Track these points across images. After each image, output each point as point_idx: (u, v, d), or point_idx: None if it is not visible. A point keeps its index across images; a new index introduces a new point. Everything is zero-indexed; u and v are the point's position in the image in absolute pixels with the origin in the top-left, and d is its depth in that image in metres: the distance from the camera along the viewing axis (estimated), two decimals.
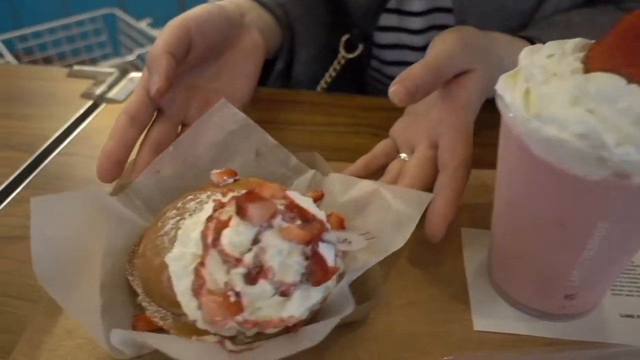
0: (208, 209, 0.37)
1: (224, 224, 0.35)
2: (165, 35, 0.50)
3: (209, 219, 0.36)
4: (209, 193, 0.42)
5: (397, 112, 0.56)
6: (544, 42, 0.36)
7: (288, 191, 0.38)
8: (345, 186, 0.48)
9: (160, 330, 0.37)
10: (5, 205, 0.53)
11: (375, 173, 0.53)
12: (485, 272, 0.45)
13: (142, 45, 1.78)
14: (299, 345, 0.33)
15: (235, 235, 0.34)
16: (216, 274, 0.34)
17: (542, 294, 0.40)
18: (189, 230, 0.36)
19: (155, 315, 0.38)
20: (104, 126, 0.65)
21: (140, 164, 0.48)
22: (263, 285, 0.34)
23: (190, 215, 0.40)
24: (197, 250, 0.35)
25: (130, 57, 1.68)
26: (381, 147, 0.54)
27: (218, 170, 0.44)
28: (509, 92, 0.34)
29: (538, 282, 0.39)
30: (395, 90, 0.45)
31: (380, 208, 0.45)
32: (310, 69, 0.72)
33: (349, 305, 0.34)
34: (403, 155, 0.52)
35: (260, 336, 0.36)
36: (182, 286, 0.35)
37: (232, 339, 0.36)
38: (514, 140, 0.34)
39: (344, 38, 0.72)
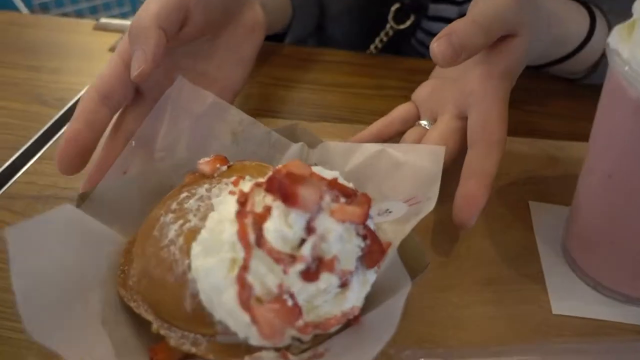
0: (228, 203, 0.31)
1: (262, 217, 0.29)
2: (159, 3, 0.41)
3: (241, 214, 0.30)
4: (206, 186, 0.36)
5: None
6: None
7: (314, 168, 0.32)
8: (346, 153, 0.42)
9: (185, 359, 0.32)
10: (34, 163, 0.50)
11: (389, 141, 0.47)
12: (560, 250, 0.41)
13: None
14: (373, 343, 0.27)
15: (285, 227, 0.28)
16: (265, 278, 0.28)
17: (635, 278, 0.36)
18: (216, 233, 0.30)
19: (184, 342, 0.31)
20: None
21: (107, 159, 0.40)
22: (328, 279, 0.29)
23: (194, 215, 0.33)
24: (235, 255, 0.29)
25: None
26: (399, 111, 0.48)
27: (206, 159, 0.37)
28: (625, 45, 0.29)
29: (633, 266, 0.35)
30: (438, 46, 0.38)
31: (392, 170, 0.39)
32: (347, 27, 0.67)
33: (404, 282, 0.30)
34: (424, 122, 0.46)
35: (317, 339, 0.30)
36: (227, 301, 0.29)
37: (286, 349, 0.30)
38: (629, 102, 0.29)
39: (394, 8, 0.65)
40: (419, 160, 0.38)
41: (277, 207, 0.29)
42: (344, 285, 0.30)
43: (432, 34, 0.47)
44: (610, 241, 0.35)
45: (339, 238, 0.29)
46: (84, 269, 0.32)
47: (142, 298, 0.33)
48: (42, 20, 0.78)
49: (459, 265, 0.40)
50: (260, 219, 0.29)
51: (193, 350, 0.30)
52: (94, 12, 1.82)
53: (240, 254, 0.29)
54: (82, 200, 0.38)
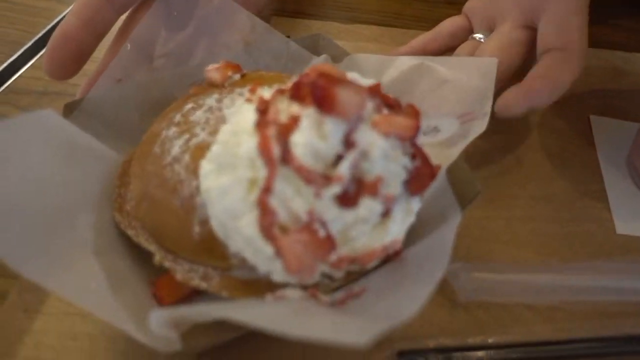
0: (244, 113, 0.26)
1: (289, 128, 0.23)
2: None
3: (261, 124, 0.24)
4: (216, 96, 0.30)
5: None
6: None
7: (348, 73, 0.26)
8: (379, 67, 0.35)
9: (193, 295, 0.27)
10: (40, 57, 0.45)
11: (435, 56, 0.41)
12: (623, 168, 0.36)
13: None
14: (421, 283, 0.22)
15: (317, 140, 0.23)
16: (293, 202, 0.23)
17: None
18: (231, 148, 0.24)
19: (192, 277, 0.26)
20: None
21: (100, 67, 0.34)
22: (370, 205, 0.23)
23: (202, 129, 0.28)
24: (255, 173, 0.23)
25: None
26: (448, 24, 0.42)
27: (215, 65, 0.32)
28: None
29: None
30: None
31: (435, 86, 0.33)
32: None
33: (454, 211, 0.25)
34: (478, 35, 0.40)
35: (350, 276, 0.25)
36: (245, 229, 0.23)
37: (313, 288, 0.25)
38: None
39: None
40: (466, 75, 0.32)
41: (308, 115, 0.23)
42: (385, 213, 0.24)
43: None
44: None
45: (384, 155, 0.24)
46: (69, 188, 0.27)
47: (142, 224, 0.28)
48: None
49: (510, 178, 0.36)
50: (286, 130, 0.23)
51: (203, 285, 0.25)
52: None
53: (262, 172, 0.23)
54: (70, 110, 0.32)
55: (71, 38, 0.32)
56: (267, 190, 0.22)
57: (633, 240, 0.32)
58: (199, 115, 0.29)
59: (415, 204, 0.26)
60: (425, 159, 0.25)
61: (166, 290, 0.26)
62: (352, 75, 0.25)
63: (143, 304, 0.25)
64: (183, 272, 0.25)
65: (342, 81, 0.23)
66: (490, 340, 0.27)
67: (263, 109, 0.24)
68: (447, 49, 0.41)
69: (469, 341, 0.27)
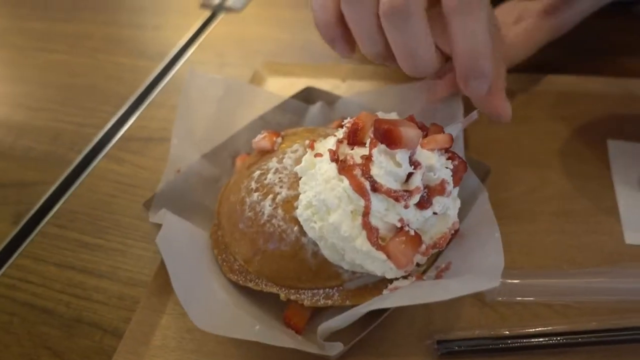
0: (322, 166, 0.33)
1: (366, 166, 0.31)
2: None
3: (344, 169, 0.31)
4: (275, 159, 0.38)
5: None
6: None
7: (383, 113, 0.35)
8: (376, 98, 0.45)
9: (314, 315, 0.35)
10: (143, 110, 0.56)
11: None
12: (636, 186, 0.42)
13: None
14: (488, 244, 0.32)
15: (395, 168, 0.31)
16: (386, 217, 0.31)
17: None
18: (325, 195, 0.32)
19: (318, 299, 0.34)
20: (224, 35, 0.66)
21: None
22: (441, 201, 0.32)
23: (281, 187, 0.35)
24: (353, 206, 0.31)
25: None
26: None
27: (261, 136, 0.40)
28: None
29: None
30: None
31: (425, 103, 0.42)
32: None
33: (479, 188, 0.36)
34: None
35: (430, 259, 0.34)
36: (362, 247, 0.31)
37: (413, 275, 0.34)
38: None
39: None
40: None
41: (378, 152, 0.31)
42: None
43: None
44: None
45: (440, 164, 0.32)
46: (203, 265, 0.36)
47: (259, 275, 0.35)
48: None
49: (533, 196, 0.42)
50: (366, 168, 0.31)
51: (329, 303, 0.33)
52: None
53: (360, 202, 0.31)
54: (148, 207, 0.40)
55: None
56: (366, 214, 0.31)
57: (638, 249, 0.38)
58: (270, 177, 0.36)
59: (456, 192, 0.34)
60: (459, 158, 0.33)
61: (295, 318, 0.35)
62: (382, 115, 0.35)
63: (285, 331, 0.34)
64: (309, 298, 0.34)
65: (401, 122, 0.31)
66: (507, 332, 0.34)
67: (336, 159, 0.33)
68: None
69: (493, 333, 0.34)
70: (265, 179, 0.37)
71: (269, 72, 0.57)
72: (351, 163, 0.32)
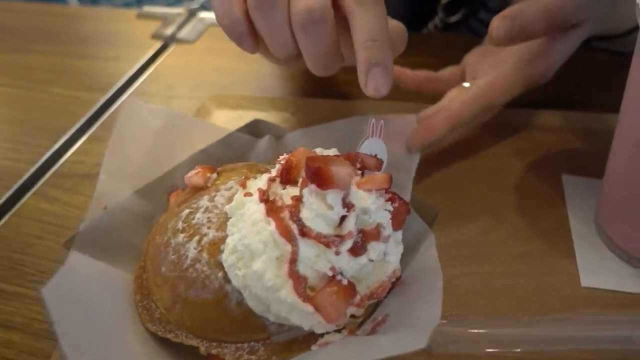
0: (247, 205, 0.31)
1: (296, 207, 0.29)
2: None
3: (271, 211, 0.29)
4: (207, 197, 0.34)
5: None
6: None
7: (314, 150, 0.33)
8: (325, 133, 0.41)
9: None
10: (82, 144, 0.53)
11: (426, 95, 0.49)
12: (592, 224, 0.40)
13: None
14: (430, 293, 0.28)
15: (326, 210, 0.28)
16: (316, 265, 0.28)
17: None
18: (250, 239, 0.29)
19: (241, 354, 0.30)
20: (174, 66, 0.64)
21: None
22: (376, 247, 0.29)
23: (208, 228, 0.32)
24: (279, 252, 0.28)
25: (196, 4, 1.66)
26: (446, 72, 0.50)
27: (194, 171, 0.36)
28: None
29: None
30: (498, 27, 0.40)
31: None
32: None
33: (425, 231, 0.32)
34: (466, 84, 0.47)
35: (368, 309, 0.31)
36: (287, 298, 0.28)
37: (347, 328, 0.31)
38: None
39: (444, 1, 0.64)
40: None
41: (309, 193, 0.29)
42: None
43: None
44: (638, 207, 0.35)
45: (376, 207, 0.29)
46: (116, 313, 0.32)
47: (179, 325, 0.32)
48: (86, 12, 0.82)
49: (490, 238, 0.40)
50: (295, 210, 0.28)
51: (253, 358, 0.30)
52: (140, 2, 1.87)
53: (286, 248, 0.28)
54: (68, 247, 0.35)
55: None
56: (293, 262, 0.28)
57: (595, 292, 0.36)
58: (199, 217, 0.33)
59: (399, 236, 0.32)
60: (400, 199, 0.31)
61: None
62: (320, 151, 0.32)
63: None
64: (231, 353, 0.30)
65: (332, 160, 0.29)
66: None
67: (265, 199, 0.30)
68: (440, 92, 0.48)
69: None
70: (193, 218, 0.33)
71: (216, 105, 0.54)
72: (280, 204, 0.29)
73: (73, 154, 0.51)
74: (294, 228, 0.28)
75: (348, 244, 0.28)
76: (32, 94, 0.60)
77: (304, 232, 0.28)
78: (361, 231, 0.29)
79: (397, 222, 0.31)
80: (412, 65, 0.59)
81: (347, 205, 0.28)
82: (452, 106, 0.43)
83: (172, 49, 0.67)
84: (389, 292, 0.31)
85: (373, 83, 0.33)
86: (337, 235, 0.28)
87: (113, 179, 0.39)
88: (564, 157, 0.46)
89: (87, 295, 0.31)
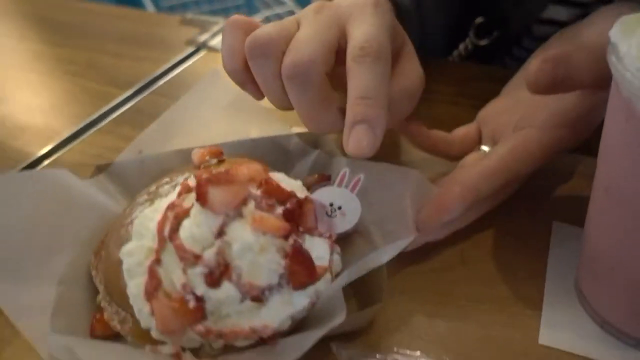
0: (173, 194, 0.31)
1: (186, 213, 0.28)
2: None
3: (170, 206, 0.29)
4: (186, 175, 0.35)
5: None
6: None
7: (273, 173, 0.32)
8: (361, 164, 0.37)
9: (118, 335, 0.31)
10: (89, 135, 0.55)
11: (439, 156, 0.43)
12: (571, 279, 0.36)
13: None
14: None
15: (195, 227, 0.28)
16: (173, 274, 0.27)
17: (635, 316, 0.31)
18: (148, 220, 0.30)
19: (114, 318, 0.31)
20: (200, 72, 0.66)
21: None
22: (227, 288, 0.27)
23: (161, 201, 0.33)
24: (153, 244, 0.29)
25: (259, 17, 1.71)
26: (460, 132, 0.43)
27: (200, 149, 0.37)
28: (625, 40, 0.25)
29: (632, 299, 0.30)
30: (539, 70, 0.33)
31: (387, 190, 0.36)
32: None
33: (340, 312, 0.28)
34: (484, 147, 0.41)
35: (229, 349, 0.29)
36: (133, 287, 0.28)
37: (195, 351, 0.29)
38: (621, 103, 0.25)
39: (477, 21, 0.58)
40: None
41: (196, 205, 0.28)
42: (256, 299, 0.28)
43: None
44: (612, 265, 0.30)
45: (246, 248, 0.27)
46: (57, 231, 0.34)
47: (99, 269, 0.33)
48: (134, 13, 0.86)
49: (452, 277, 0.37)
50: (181, 214, 0.28)
51: (118, 327, 0.30)
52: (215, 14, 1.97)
53: (155, 244, 0.28)
54: (100, 171, 0.40)
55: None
56: (157, 260, 0.27)
57: (551, 352, 0.32)
58: (166, 189, 0.34)
59: (299, 299, 0.29)
60: (301, 259, 0.28)
61: (99, 325, 0.31)
62: (277, 175, 0.31)
63: (77, 330, 0.30)
64: (110, 313, 0.31)
65: (220, 182, 0.28)
66: None
67: (181, 193, 0.30)
68: (453, 156, 0.43)
69: None
70: (162, 188, 0.35)
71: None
72: (180, 202, 0.29)
73: (79, 143, 0.54)
74: (167, 229, 0.28)
75: (199, 269, 0.27)
76: (60, 84, 0.64)
77: (172, 236, 0.27)
78: (225, 265, 0.27)
79: (294, 281, 0.29)
80: (426, 92, 0.57)
81: (220, 233, 0.28)
82: (468, 179, 0.35)
83: (201, 55, 0.69)
84: (258, 345, 0.29)
85: (354, 140, 0.31)
86: (196, 256, 0.27)
87: (161, 131, 0.42)
88: (559, 203, 0.42)
89: (34, 202, 0.33)
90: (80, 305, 0.32)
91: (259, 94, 0.37)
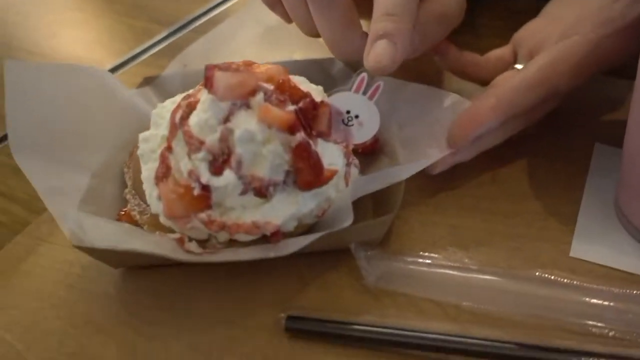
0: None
1: (197, 102, 0.28)
2: None
3: (185, 97, 0.29)
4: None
5: None
6: None
7: (294, 76, 0.31)
8: (393, 88, 0.37)
9: (138, 226, 0.32)
10: (131, 67, 0.57)
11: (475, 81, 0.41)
12: (611, 198, 0.34)
13: None
14: (265, 253, 0.27)
15: (202, 112, 0.27)
16: (182, 161, 0.27)
17: None
18: (165, 111, 0.30)
19: (135, 209, 0.32)
20: (237, 12, 0.66)
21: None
22: (228, 176, 0.27)
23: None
24: (167, 133, 0.29)
25: None
26: (492, 55, 0.41)
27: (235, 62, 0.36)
28: None
29: None
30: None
31: (422, 110, 0.36)
32: None
33: (347, 218, 0.27)
34: (519, 66, 0.39)
35: (233, 244, 0.29)
36: (145, 172, 0.29)
37: (201, 243, 0.30)
38: None
39: None
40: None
41: (205, 92, 0.28)
42: (260, 194, 0.28)
43: None
44: None
45: (248, 136, 0.27)
46: (101, 127, 0.35)
47: (130, 167, 0.34)
48: None
49: (479, 192, 0.36)
50: (195, 104, 0.28)
51: (137, 217, 0.31)
52: None
53: (168, 131, 0.29)
54: (147, 82, 0.41)
55: None
56: (168, 147, 0.28)
57: (583, 264, 0.30)
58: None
59: (305, 200, 0.28)
60: (306, 157, 0.28)
61: (125, 217, 0.32)
62: (298, 79, 0.30)
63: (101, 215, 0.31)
64: (132, 204, 0.32)
65: (228, 69, 0.27)
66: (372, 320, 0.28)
67: (203, 85, 0.30)
68: (484, 79, 0.40)
69: (357, 319, 0.28)
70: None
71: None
72: (194, 92, 0.29)
73: (121, 73, 0.55)
74: (179, 115, 0.28)
75: (201, 154, 0.27)
76: (106, 21, 0.66)
77: (183, 122, 0.27)
78: (228, 153, 0.27)
79: (300, 181, 0.28)
80: (471, 26, 0.55)
81: (225, 120, 0.27)
82: (503, 92, 0.34)
83: None
84: (260, 241, 0.29)
85: (374, 54, 0.30)
86: (200, 141, 0.27)
87: (207, 46, 0.43)
88: (601, 125, 0.40)
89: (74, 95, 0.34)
90: (108, 198, 0.33)
91: (287, 17, 0.37)
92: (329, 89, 0.39)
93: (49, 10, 0.71)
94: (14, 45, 0.63)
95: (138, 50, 0.59)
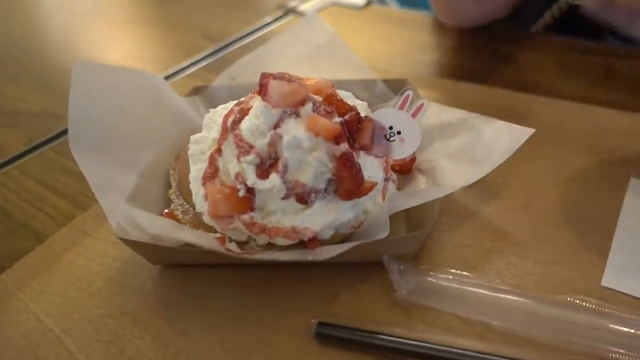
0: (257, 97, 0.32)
1: (249, 109, 0.29)
2: None
3: (238, 103, 0.31)
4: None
5: None
6: None
7: (341, 91, 0.32)
8: (437, 112, 0.38)
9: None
10: (180, 78, 0.59)
11: None
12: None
13: None
14: (303, 256, 0.28)
15: (254, 118, 0.28)
16: (230, 164, 0.29)
17: None
18: (217, 115, 0.32)
19: (178, 209, 0.33)
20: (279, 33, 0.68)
21: None
22: (274, 179, 0.28)
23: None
24: (218, 136, 0.30)
25: None
26: None
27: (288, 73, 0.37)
28: None
29: None
30: None
31: (468, 135, 0.36)
32: None
33: (383, 231, 0.28)
34: None
35: (270, 248, 0.30)
36: (194, 172, 0.30)
37: (241, 244, 0.30)
38: None
39: None
40: (496, 136, 0.35)
41: (258, 99, 0.29)
42: (302, 200, 0.29)
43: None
44: None
45: (295, 143, 0.28)
46: (151, 129, 0.37)
47: (176, 169, 0.36)
48: None
49: (513, 218, 0.36)
50: (247, 111, 0.30)
51: (179, 217, 0.32)
52: None
53: (219, 135, 0.30)
54: (196, 92, 0.43)
55: None
56: (218, 150, 0.29)
57: (614, 294, 0.30)
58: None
59: (343, 209, 0.29)
60: (348, 167, 0.28)
61: (169, 216, 0.34)
62: (344, 93, 0.32)
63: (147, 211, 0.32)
64: (176, 204, 0.33)
65: (282, 77, 0.29)
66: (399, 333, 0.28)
67: (256, 92, 0.31)
68: None
69: (385, 330, 0.28)
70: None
71: None
72: (247, 99, 0.30)
73: (171, 83, 0.57)
74: (231, 120, 0.29)
75: (250, 157, 0.28)
76: (156, 37, 0.69)
77: (234, 127, 0.29)
78: (275, 159, 0.28)
79: (340, 190, 0.29)
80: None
81: (274, 126, 0.28)
82: None
83: (288, 19, 0.71)
84: (298, 246, 0.29)
85: None
86: (250, 145, 0.28)
87: (255, 62, 0.45)
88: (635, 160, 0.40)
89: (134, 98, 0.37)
90: (153, 197, 0.35)
91: None
92: (371, 107, 0.41)
93: (110, 23, 0.75)
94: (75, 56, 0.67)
95: (187, 63, 0.62)
